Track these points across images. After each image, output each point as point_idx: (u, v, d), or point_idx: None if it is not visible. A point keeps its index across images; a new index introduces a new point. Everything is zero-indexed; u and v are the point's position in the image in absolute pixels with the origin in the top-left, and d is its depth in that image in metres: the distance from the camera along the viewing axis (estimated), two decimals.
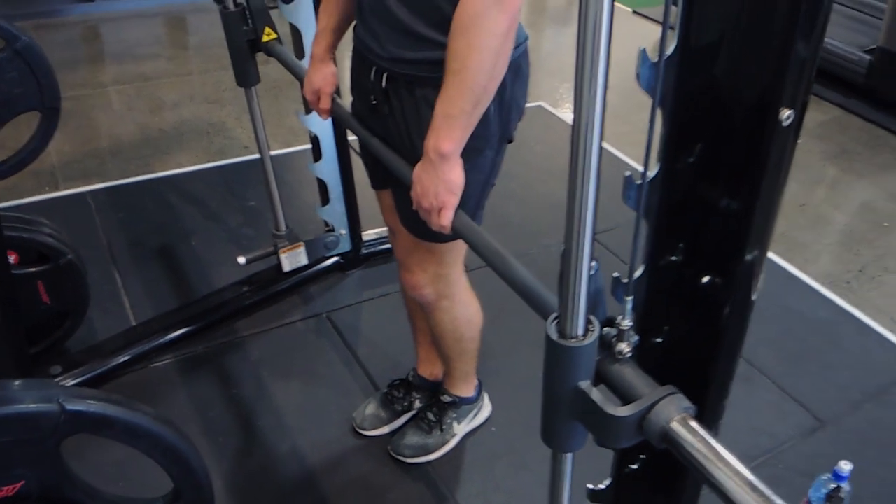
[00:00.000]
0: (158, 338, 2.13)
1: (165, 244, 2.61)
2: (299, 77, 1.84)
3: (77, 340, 2.10)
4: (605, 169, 0.79)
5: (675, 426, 0.83)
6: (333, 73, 1.57)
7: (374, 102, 1.42)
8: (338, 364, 2.17)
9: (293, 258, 2.34)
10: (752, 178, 0.84)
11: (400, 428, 1.93)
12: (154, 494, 1.11)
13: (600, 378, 0.90)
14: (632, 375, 0.88)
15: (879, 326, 2.40)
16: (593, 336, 0.85)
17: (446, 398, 1.90)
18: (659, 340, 1.05)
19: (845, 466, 1.70)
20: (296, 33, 2.08)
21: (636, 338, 0.90)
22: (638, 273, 0.98)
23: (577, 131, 0.76)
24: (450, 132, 1.23)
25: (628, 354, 0.89)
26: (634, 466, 1.20)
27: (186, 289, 2.39)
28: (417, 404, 1.96)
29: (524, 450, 1.92)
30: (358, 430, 1.93)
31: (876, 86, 3.63)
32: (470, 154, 1.32)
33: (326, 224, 2.46)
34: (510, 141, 1.46)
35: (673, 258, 0.98)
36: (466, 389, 1.91)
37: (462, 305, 1.67)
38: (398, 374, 2.02)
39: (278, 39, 2.00)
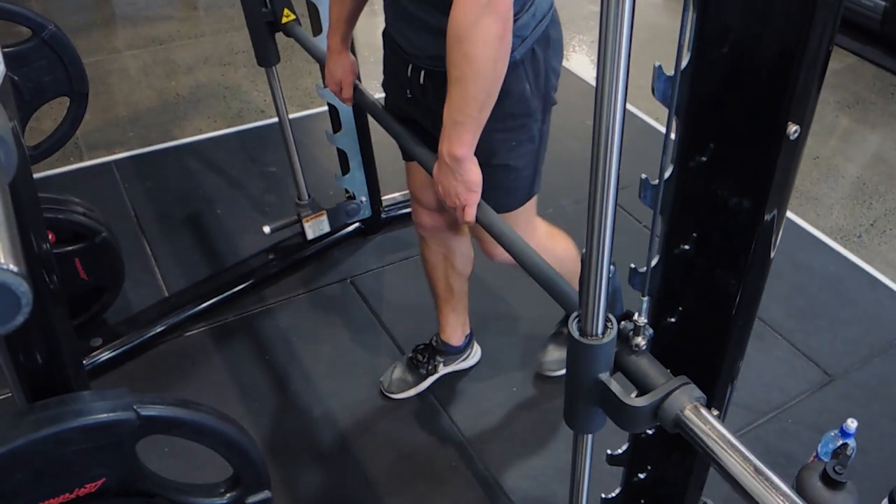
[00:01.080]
0: (191, 308, 2.22)
1: (191, 213, 2.68)
2: (318, 58, 1.89)
3: (114, 312, 2.20)
4: None
5: (687, 414, 0.90)
6: (353, 63, 1.63)
7: (410, 96, 1.48)
8: (363, 329, 2.26)
9: (316, 226, 2.41)
10: (761, 179, 0.89)
11: (543, 347, 2.06)
12: (196, 461, 1.19)
13: (618, 367, 0.97)
14: (647, 366, 0.96)
15: (889, 281, 2.46)
16: (612, 335, 0.93)
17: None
18: (672, 320, 1.13)
19: (851, 424, 1.79)
20: (313, 9, 2.10)
21: (651, 331, 0.96)
22: (654, 262, 1.05)
23: (595, 174, 0.81)
24: (460, 137, 1.27)
25: (644, 347, 0.96)
26: (650, 432, 1.29)
27: (215, 258, 2.47)
28: (441, 367, 2.05)
29: (544, 407, 2.02)
30: (386, 393, 2.03)
31: (891, 32, 3.60)
32: (516, 132, 1.40)
33: (347, 191, 2.52)
34: (554, 104, 1.50)
35: (686, 247, 1.04)
36: None
37: (546, 251, 1.69)
38: (421, 337, 2.11)
39: (297, 20, 2.04)
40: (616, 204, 0.86)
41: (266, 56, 2.11)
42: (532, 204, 1.60)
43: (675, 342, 1.13)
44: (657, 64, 0.84)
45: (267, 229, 2.33)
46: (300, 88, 3.40)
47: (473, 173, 1.31)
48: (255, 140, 3.09)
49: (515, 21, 1.33)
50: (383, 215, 2.57)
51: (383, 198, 2.57)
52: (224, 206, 2.72)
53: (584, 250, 0.91)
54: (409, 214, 2.61)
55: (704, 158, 0.95)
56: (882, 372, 2.14)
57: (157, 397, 0.76)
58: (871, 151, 3.15)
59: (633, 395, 0.95)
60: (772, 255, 0.97)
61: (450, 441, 1.94)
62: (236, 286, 2.31)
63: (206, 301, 2.25)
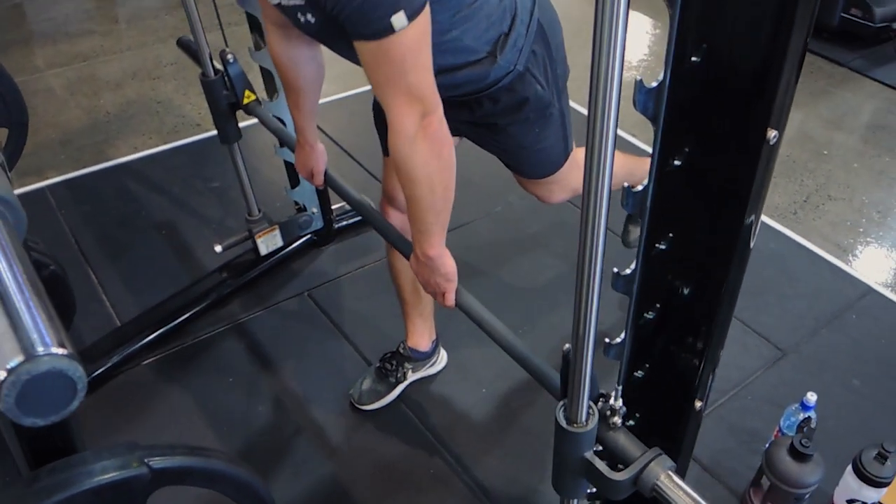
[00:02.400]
0: (146, 336, 2.16)
1: (135, 236, 2.60)
2: (280, 137, 2.05)
3: None
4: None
5: (662, 482, 1.04)
6: (323, 153, 1.75)
7: None
8: (326, 342, 2.23)
9: (269, 241, 2.37)
10: (741, 183, 0.92)
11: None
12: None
13: (598, 441, 1.10)
14: (624, 441, 1.10)
15: (828, 254, 2.57)
16: (594, 421, 1.06)
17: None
18: (652, 315, 1.16)
19: (811, 397, 1.86)
20: (267, 76, 2.17)
21: (624, 409, 1.09)
22: (634, 265, 1.08)
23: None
24: (429, 240, 1.36)
25: (619, 423, 1.10)
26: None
27: (165, 281, 2.39)
28: (410, 374, 2.05)
29: (514, 406, 2.04)
30: (357, 405, 2.01)
31: None
32: (539, 123, 1.51)
33: (296, 203, 2.49)
34: (566, 76, 1.58)
35: (662, 247, 1.08)
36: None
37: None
38: (386, 345, 2.10)
39: (257, 100, 2.12)
40: (599, 308, 0.93)
41: (228, 135, 2.19)
42: (572, 157, 1.69)
43: (656, 334, 1.17)
44: (638, 78, 0.86)
45: (218, 248, 2.28)
46: None
47: (448, 266, 1.41)
48: (195, 155, 3.02)
49: (505, 45, 1.38)
50: (335, 225, 2.55)
51: (333, 207, 2.55)
52: (169, 226, 2.65)
53: (566, 347, 1.01)
54: (361, 222, 2.61)
55: (681, 163, 0.97)
56: (830, 343, 2.24)
57: (167, 447, 0.74)
58: (795, 129, 3.28)
59: (606, 463, 1.08)
60: (750, 247, 1.02)
61: (426, 448, 1.94)
62: (191, 309, 2.26)
63: (161, 327, 2.19)
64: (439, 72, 1.34)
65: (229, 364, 2.16)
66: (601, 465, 1.06)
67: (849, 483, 1.72)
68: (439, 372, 2.13)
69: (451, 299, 1.44)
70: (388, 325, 2.22)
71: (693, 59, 0.87)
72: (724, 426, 2.00)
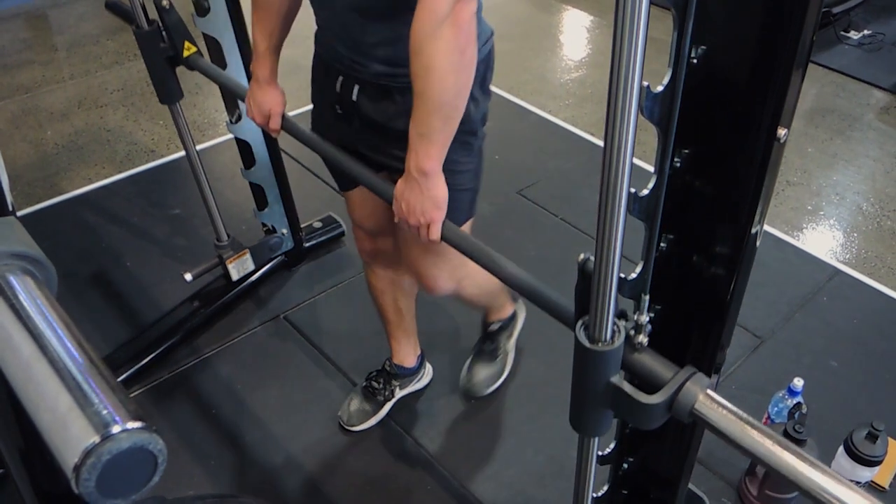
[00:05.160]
0: (121, 373, 2.09)
1: (98, 270, 2.52)
2: (228, 89, 1.83)
3: None
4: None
5: (701, 403, 0.91)
6: (282, 94, 1.57)
7: (341, 112, 1.44)
8: (307, 364, 2.19)
9: (240, 266, 2.32)
10: (751, 181, 0.92)
11: (467, 370, 2.08)
12: None
13: (622, 365, 0.95)
14: (651, 362, 0.95)
15: (792, 239, 2.62)
16: (621, 338, 0.91)
17: (494, 326, 2.04)
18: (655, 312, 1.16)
19: (798, 383, 1.89)
20: (214, 44, 2.01)
21: (650, 327, 0.96)
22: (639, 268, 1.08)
23: (609, 152, 0.78)
24: (427, 150, 1.24)
25: (645, 343, 0.95)
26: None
27: (135, 315, 2.33)
28: (398, 391, 2.03)
29: (504, 415, 2.03)
30: (346, 427, 1.98)
31: None
32: (458, 151, 1.36)
33: (264, 225, 2.44)
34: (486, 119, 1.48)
35: (671, 246, 1.08)
36: (506, 311, 2.05)
37: (479, 273, 1.45)
38: (369, 363, 2.07)
39: (199, 52, 1.93)
40: (627, 212, 0.83)
41: (168, 93, 1.99)
42: (467, 229, 1.54)
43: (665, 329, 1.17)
44: (646, 84, 0.86)
45: (189, 276, 2.22)
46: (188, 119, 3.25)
47: (440, 189, 1.28)
48: (151, 183, 2.94)
49: None
50: (306, 244, 2.51)
51: (302, 226, 2.50)
52: (132, 258, 2.57)
53: (581, 256, 0.90)
54: (331, 239, 2.58)
55: (687, 165, 0.97)
56: (804, 327, 2.28)
57: (196, 498, 0.70)
58: None
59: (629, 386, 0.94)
60: (758, 243, 1.02)
61: (420, 464, 1.92)
62: (166, 342, 2.19)
63: (136, 363, 2.13)
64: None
65: (211, 395, 2.10)
66: (630, 389, 0.92)
67: (841, 464, 1.75)
68: (426, 386, 2.11)
69: (436, 231, 1.30)
70: (369, 342, 2.19)
71: (693, 59, 0.88)
72: None
